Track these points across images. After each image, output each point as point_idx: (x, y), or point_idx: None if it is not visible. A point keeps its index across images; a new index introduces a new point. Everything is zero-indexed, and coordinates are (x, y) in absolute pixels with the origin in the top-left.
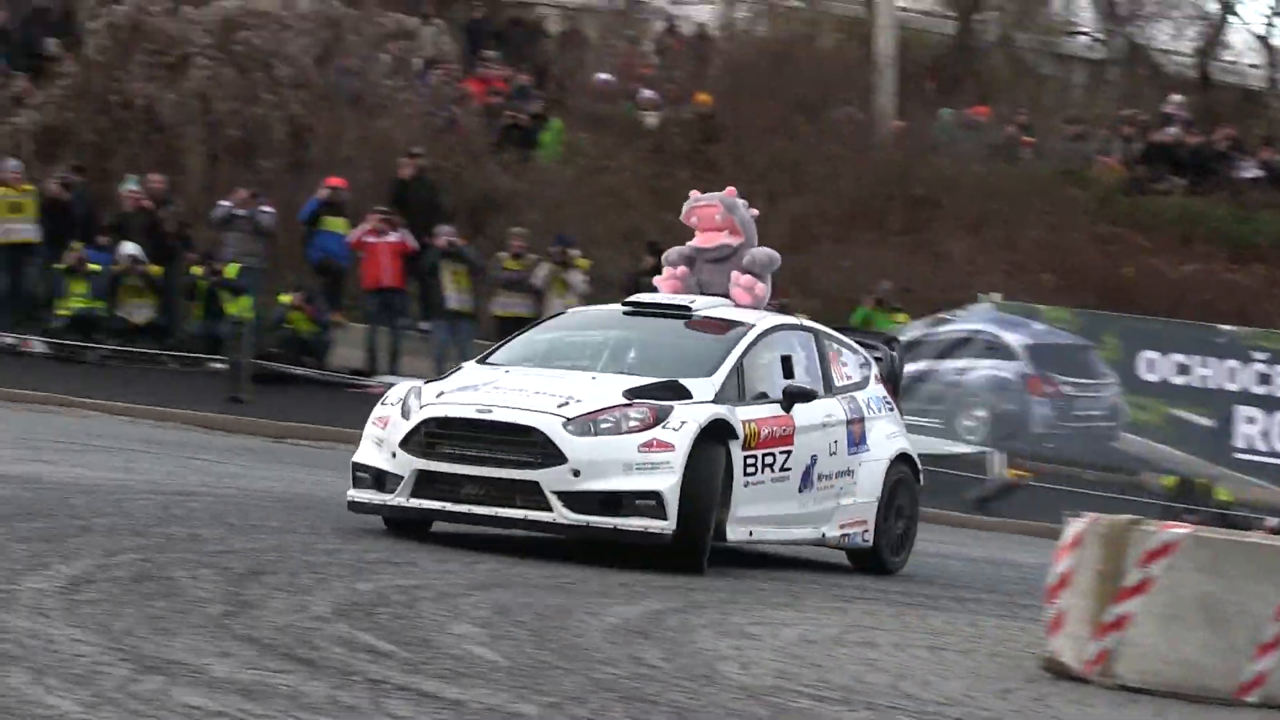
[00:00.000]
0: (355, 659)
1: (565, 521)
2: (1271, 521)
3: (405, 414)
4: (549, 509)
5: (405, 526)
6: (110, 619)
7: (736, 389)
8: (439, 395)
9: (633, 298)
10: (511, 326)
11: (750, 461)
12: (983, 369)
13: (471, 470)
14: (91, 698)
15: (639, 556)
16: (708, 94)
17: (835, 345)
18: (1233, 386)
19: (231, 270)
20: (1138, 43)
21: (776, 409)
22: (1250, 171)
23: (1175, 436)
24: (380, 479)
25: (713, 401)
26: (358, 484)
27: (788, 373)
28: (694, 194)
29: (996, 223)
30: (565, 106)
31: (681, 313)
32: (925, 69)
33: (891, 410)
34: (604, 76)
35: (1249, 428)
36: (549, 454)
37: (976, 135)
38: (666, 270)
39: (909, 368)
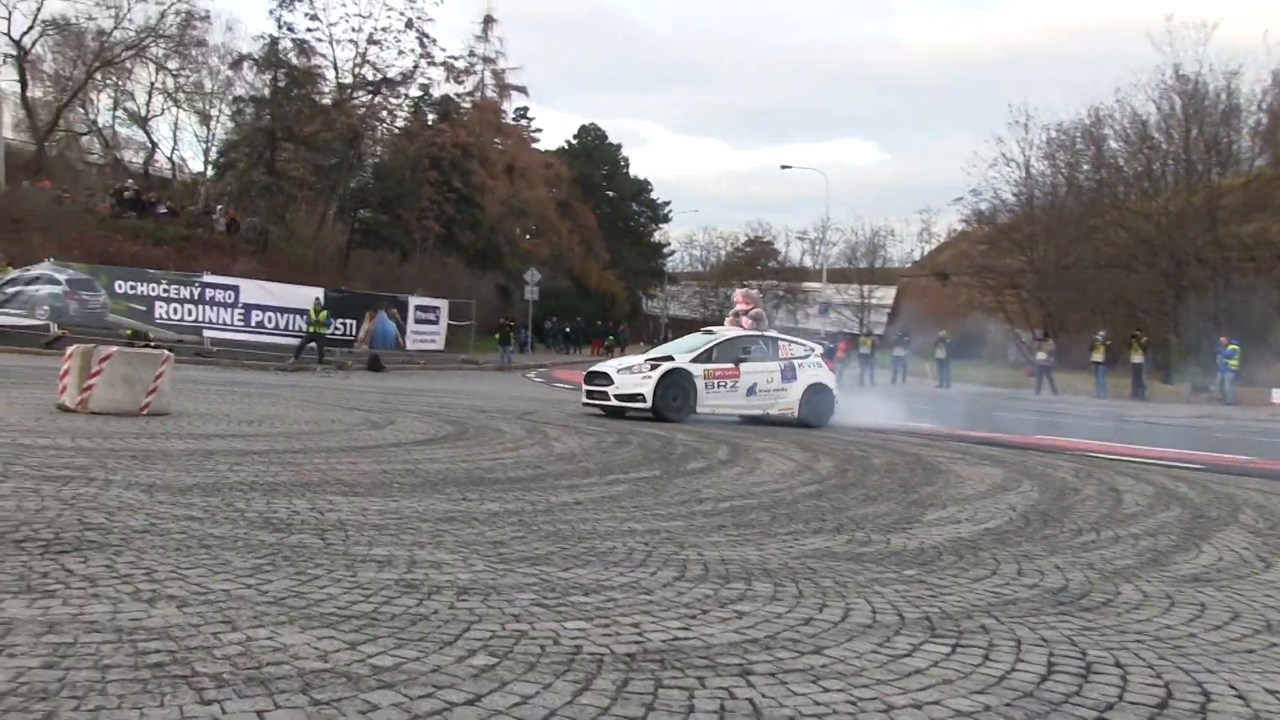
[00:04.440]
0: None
1: (616, 403)
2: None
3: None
4: (609, 399)
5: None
6: None
7: (706, 357)
8: (600, 364)
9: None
10: None
11: (709, 383)
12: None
13: (592, 387)
14: None
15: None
16: None
17: (787, 340)
18: None
19: None
20: None
21: (730, 365)
22: None
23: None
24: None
25: (688, 362)
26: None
27: (744, 351)
28: (737, 290)
29: None
30: None
31: (711, 331)
32: None
33: (819, 366)
34: None
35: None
36: (610, 380)
37: None
38: (729, 318)
39: None
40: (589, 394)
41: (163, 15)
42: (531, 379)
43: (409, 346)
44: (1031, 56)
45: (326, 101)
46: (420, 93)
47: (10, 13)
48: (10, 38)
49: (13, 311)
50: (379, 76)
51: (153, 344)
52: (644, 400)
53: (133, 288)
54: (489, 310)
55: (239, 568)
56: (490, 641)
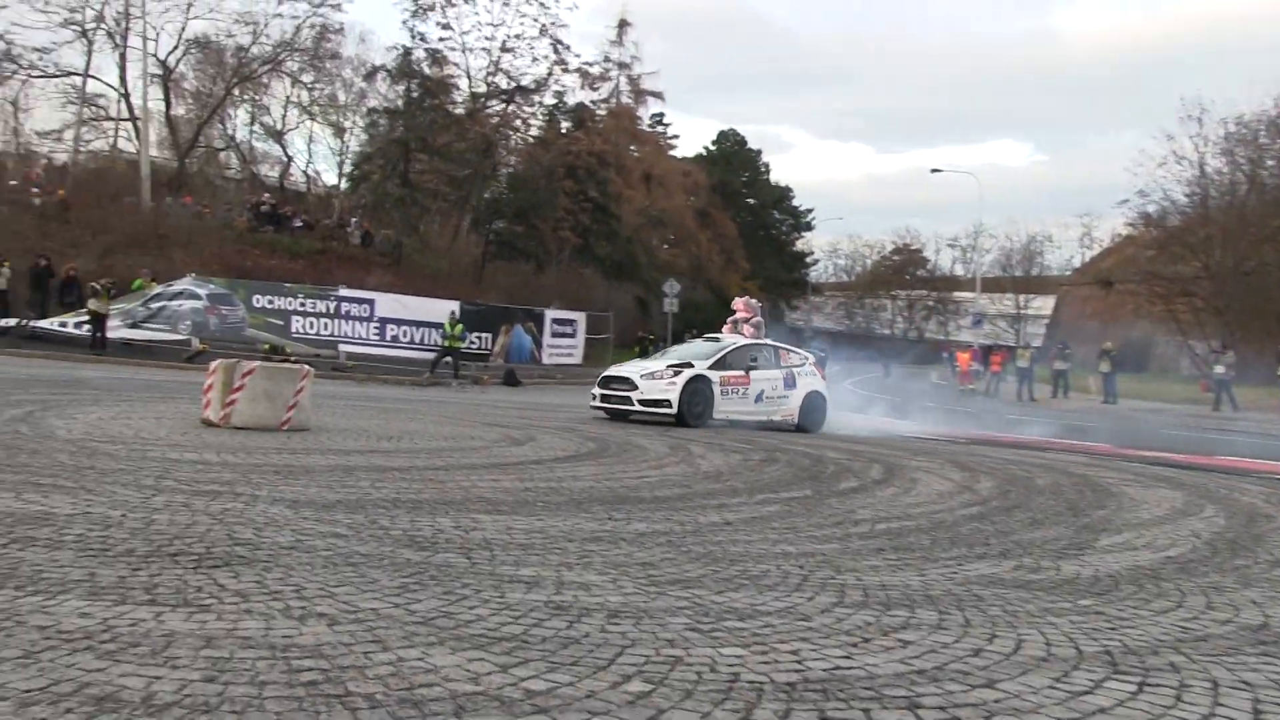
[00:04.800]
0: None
1: (639, 408)
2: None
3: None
4: (631, 404)
5: (610, 415)
6: None
7: (721, 365)
8: (613, 368)
9: (707, 335)
10: None
11: (724, 389)
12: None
13: (610, 391)
14: None
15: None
16: None
17: (786, 349)
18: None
19: None
20: None
21: (741, 372)
22: None
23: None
24: (593, 395)
25: (706, 369)
26: (591, 398)
27: (752, 359)
28: (735, 298)
29: None
30: None
31: (715, 338)
32: None
33: (814, 374)
34: None
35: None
36: (634, 385)
37: None
38: (726, 325)
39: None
40: (604, 398)
41: (298, 29)
42: None
43: (545, 361)
44: (1204, 45)
45: (460, 111)
46: (554, 100)
47: (158, 34)
48: (157, 58)
49: (157, 326)
50: (512, 85)
51: (292, 359)
52: (670, 406)
53: (270, 302)
54: (627, 323)
55: (386, 586)
56: (644, 667)
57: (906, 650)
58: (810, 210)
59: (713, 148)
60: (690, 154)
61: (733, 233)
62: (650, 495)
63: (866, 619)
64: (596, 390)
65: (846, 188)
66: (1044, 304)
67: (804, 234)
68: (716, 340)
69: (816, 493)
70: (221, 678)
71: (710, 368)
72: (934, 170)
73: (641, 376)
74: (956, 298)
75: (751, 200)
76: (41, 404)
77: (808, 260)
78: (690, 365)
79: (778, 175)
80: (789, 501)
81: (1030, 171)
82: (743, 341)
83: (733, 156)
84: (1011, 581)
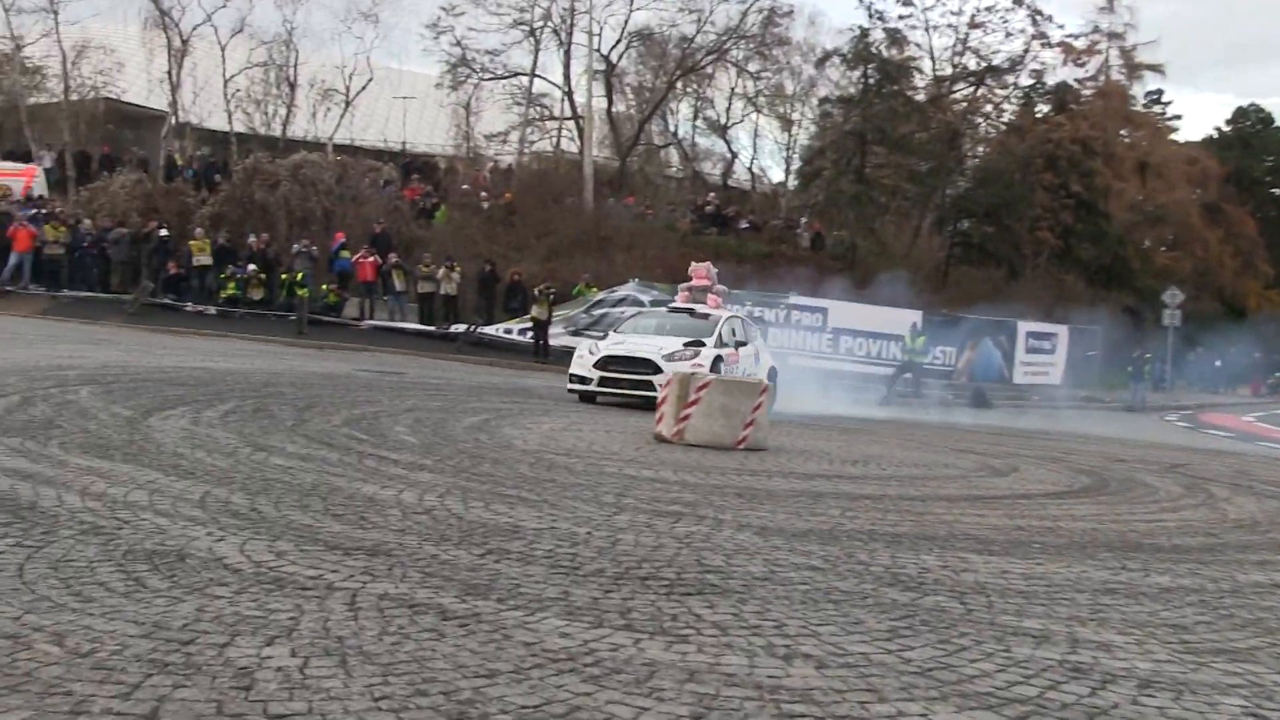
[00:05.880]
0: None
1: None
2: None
3: (593, 353)
4: (654, 390)
5: (589, 399)
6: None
7: (721, 341)
8: (607, 346)
9: (671, 304)
10: None
11: (726, 368)
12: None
13: (621, 375)
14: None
15: None
16: None
17: (746, 320)
18: None
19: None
20: None
21: (733, 349)
22: None
23: None
24: (583, 380)
25: (715, 347)
26: (571, 381)
27: (734, 334)
28: (693, 263)
29: None
30: None
31: (682, 309)
32: None
33: (766, 347)
34: None
35: None
36: (656, 369)
37: None
38: (681, 294)
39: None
40: (604, 381)
41: (744, 15)
42: (1171, 422)
43: (1017, 380)
44: None
45: (921, 98)
46: (1031, 80)
47: (601, 28)
48: (600, 53)
49: (599, 335)
50: (982, 65)
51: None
52: None
53: None
54: (1115, 338)
55: (874, 629)
56: None
57: None
58: None
59: (1227, 129)
60: (1196, 137)
61: (1252, 231)
62: (1168, 544)
63: None
64: (589, 373)
65: None
66: None
67: None
68: (686, 312)
69: None
70: (709, 716)
71: (717, 345)
72: None
73: (664, 358)
74: None
75: (1277, 191)
76: (495, 412)
77: None
78: (701, 344)
79: None
80: None
81: None
82: (724, 314)
83: (1253, 138)
84: None
